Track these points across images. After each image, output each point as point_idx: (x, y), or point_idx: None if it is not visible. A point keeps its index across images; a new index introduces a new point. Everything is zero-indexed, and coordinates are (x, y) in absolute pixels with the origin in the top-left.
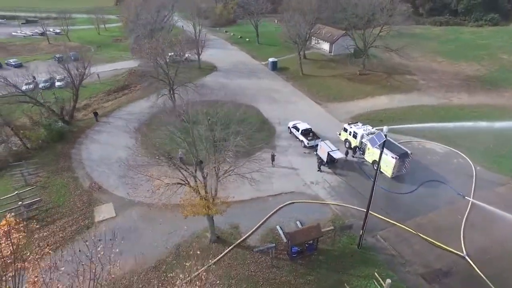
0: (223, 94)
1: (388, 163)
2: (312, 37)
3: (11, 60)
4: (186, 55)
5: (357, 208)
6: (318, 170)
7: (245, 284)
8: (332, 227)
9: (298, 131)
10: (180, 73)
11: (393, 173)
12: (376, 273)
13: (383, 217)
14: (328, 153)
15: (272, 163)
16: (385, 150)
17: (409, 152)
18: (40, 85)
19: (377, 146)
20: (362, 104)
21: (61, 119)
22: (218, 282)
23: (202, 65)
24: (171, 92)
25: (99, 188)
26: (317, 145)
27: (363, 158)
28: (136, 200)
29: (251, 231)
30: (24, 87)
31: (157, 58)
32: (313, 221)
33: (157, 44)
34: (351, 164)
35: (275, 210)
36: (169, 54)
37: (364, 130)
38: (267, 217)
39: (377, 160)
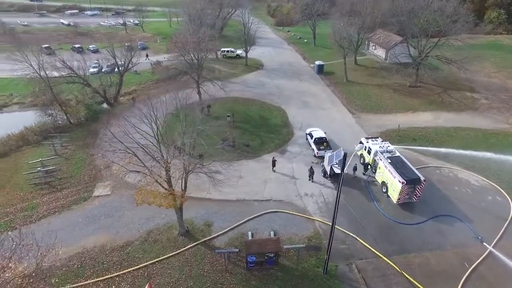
0: (257, 92)
1: (395, 187)
2: (370, 42)
3: (90, 46)
4: (238, 51)
5: (343, 230)
6: (309, 180)
7: (192, 282)
8: (303, 245)
9: (311, 138)
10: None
11: (399, 199)
12: None
13: (367, 245)
14: (331, 166)
15: (273, 168)
16: (393, 172)
17: (422, 178)
18: (90, 70)
19: (334, 164)
20: (400, 119)
21: (106, 101)
22: (169, 271)
23: (251, 62)
24: (198, 87)
25: (107, 167)
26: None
27: (374, 177)
28: (132, 182)
29: (220, 232)
30: (91, 70)
31: (190, 52)
32: (291, 234)
33: (194, 39)
34: (359, 182)
35: (254, 215)
36: (222, 49)
37: (380, 146)
38: (242, 221)
39: (386, 181)
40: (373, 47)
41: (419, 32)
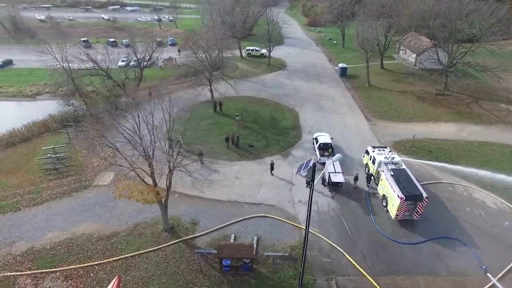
0: (273, 93)
1: (394, 202)
2: (401, 46)
3: (124, 40)
4: (263, 51)
5: (331, 242)
6: (307, 187)
7: (165, 279)
8: (279, 254)
9: (317, 143)
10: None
11: (397, 215)
12: None
13: (353, 261)
14: (329, 174)
15: (271, 172)
16: (393, 186)
17: (424, 195)
18: (119, 63)
19: (300, 174)
20: (419, 129)
21: (124, 94)
22: (146, 266)
23: (274, 62)
24: (210, 85)
25: (114, 157)
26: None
27: (376, 189)
28: (130, 174)
29: (204, 232)
30: (120, 63)
31: (202, 51)
32: (274, 241)
33: (206, 37)
34: (359, 193)
35: (241, 218)
36: (247, 48)
37: (386, 157)
38: (228, 223)
39: (386, 195)
40: (404, 51)
41: (450, 36)
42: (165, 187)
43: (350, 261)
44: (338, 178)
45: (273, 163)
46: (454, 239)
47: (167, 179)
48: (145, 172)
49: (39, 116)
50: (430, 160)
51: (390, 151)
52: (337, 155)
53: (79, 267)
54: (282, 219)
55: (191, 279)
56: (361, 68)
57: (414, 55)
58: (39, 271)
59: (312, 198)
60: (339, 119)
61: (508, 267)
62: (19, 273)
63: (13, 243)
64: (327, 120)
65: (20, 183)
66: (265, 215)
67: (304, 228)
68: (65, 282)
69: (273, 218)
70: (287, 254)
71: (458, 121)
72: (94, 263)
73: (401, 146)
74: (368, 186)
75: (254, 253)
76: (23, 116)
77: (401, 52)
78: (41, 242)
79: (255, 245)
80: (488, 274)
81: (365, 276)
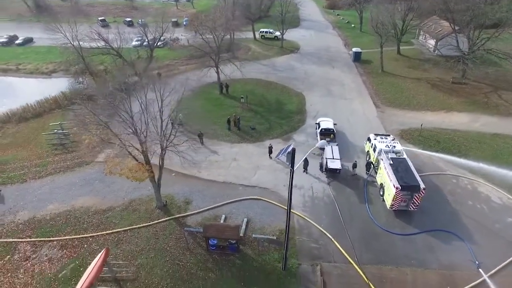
0: (282, 76)
1: (390, 191)
2: (421, 31)
3: (139, 20)
4: (277, 33)
5: (320, 228)
6: (303, 172)
7: (153, 254)
8: (274, 237)
9: (318, 128)
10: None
11: (392, 205)
12: None
13: (341, 248)
14: (327, 160)
15: (270, 155)
16: (391, 175)
17: (422, 186)
18: (133, 43)
19: (278, 159)
20: (429, 118)
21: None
22: (136, 240)
23: (288, 45)
24: (216, 67)
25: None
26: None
27: (375, 178)
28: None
29: (195, 211)
30: (134, 43)
31: (212, 31)
32: (264, 224)
33: (217, 17)
34: (357, 180)
35: (233, 200)
36: (261, 30)
37: (387, 145)
38: (220, 204)
39: (384, 183)
40: (423, 36)
41: (472, 21)
42: (163, 166)
43: (338, 248)
44: (335, 164)
45: (271, 146)
46: (450, 233)
47: (160, 158)
48: (137, 150)
49: (51, 93)
50: (437, 151)
51: (393, 140)
52: (321, 142)
53: (75, 238)
54: (275, 203)
55: (178, 255)
56: (376, 53)
57: (433, 41)
58: (38, 239)
59: (293, 183)
60: (347, 105)
61: (503, 264)
62: (20, 240)
63: (17, 212)
64: (335, 105)
65: (29, 156)
66: (257, 198)
67: (295, 212)
68: (60, 251)
69: (265, 201)
70: (274, 238)
71: (473, 111)
72: (89, 235)
73: (408, 135)
74: (367, 174)
75: (239, 235)
76: (37, 92)
77: (420, 37)
78: (42, 213)
79: (244, 227)
80: (480, 269)
81: (351, 264)
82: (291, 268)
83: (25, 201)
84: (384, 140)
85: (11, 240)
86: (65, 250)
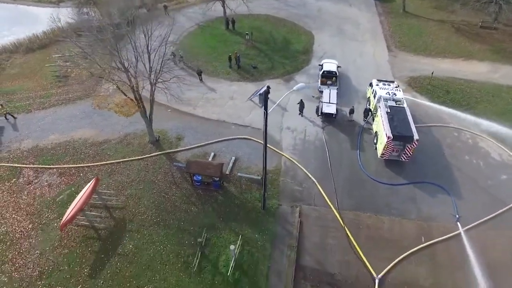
0: (293, 13)
1: (382, 140)
2: None
3: None
4: None
5: (306, 171)
6: (299, 114)
7: (142, 186)
8: (259, 177)
9: (320, 71)
10: None
11: (383, 154)
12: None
13: (323, 192)
14: (322, 104)
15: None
16: (385, 124)
17: (415, 137)
18: None
19: (251, 99)
20: (444, 65)
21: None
22: (128, 172)
23: None
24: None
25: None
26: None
27: (372, 126)
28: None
29: (186, 147)
30: None
31: None
32: (251, 164)
33: None
34: (353, 127)
35: (224, 138)
36: None
37: (387, 93)
38: (210, 142)
39: (379, 132)
40: None
41: None
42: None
43: (320, 192)
44: (330, 109)
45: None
46: (438, 186)
47: (150, 93)
48: (128, 85)
49: (58, 23)
50: (442, 103)
51: (396, 87)
52: (299, 84)
53: (72, 167)
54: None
55: (164, 188)
56: None
57: None
58: (40, 166)
59: (267, 124)
60: (358, 46)
61: (481, 220)
62: (24, 165)
63: (22, 140)
64: (344, 46)
65: (34, 87)
66: (248, 138)
67: (283, 154)
68: (59, 178)
69: (255, 141)
70: (258, 178)
71: (495, 61)
72: (85, 165)
73: (416, 83)
74: (364, 121)
75: (220, 173)
76: (45, 22)
77: None
78: (44, 142)
79: (230, 165)
80: (458, 223)
81: (331, 208)
82: (270, 208)
83: (30, 131)
84: (386, 86)
85: (16, 165)
86: (63, 177)
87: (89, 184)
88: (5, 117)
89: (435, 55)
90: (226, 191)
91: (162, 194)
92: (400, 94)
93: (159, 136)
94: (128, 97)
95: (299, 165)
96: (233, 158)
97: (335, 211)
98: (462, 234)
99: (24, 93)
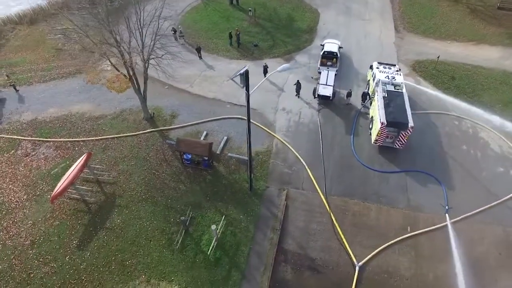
0: None
1: (376, 126)
2: None
3: None
4: None
5: (297, 154)
6: (296, 95)
7: (134, 162)
8: (236, 155)
9: (321, 51)
10: None
11: (376, 140)
12: (224, 220)
13: (312, 176)
14: (319, 86)
15: (265, 75)
16: (380, 109)
17: (410, 124)
18: None
19: (232, 79)
20: (453, 49)
21: None
22: (121, 148)
23: None
24: None
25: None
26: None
27: (369, 110)
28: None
29: (180, 125)
30: None
31: None
32: (242, 144)
33: None
34: (350, 110)
35: (218, 118)
36: None
37: (387, 77)
38: (204, 120)
39: (374, 116)
40: None
41: None
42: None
43: (310, 176)
44: (327, 91)
45: (266, 65)
46: (430, 175)
47: (144, 69)
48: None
49: None
50: (443, 89)
51: (397, 70)
52: (283, 65)
53: (68, 141)
54: (258, 124)
55: (155, 165)
56: None
57: None
58: (38, 139)
59: (250, 105)
60: (363, 26)
61: (470, 213)
62: (23, 138)
63: (22, 113)
64: (349, 26)
65: (36, 60)
66: (241, 117)
67: (275, 136)
68: (55, 151)
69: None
70: (246, 158)
71: (508, 46)
72: (80, 139)
73: (421, 67)
74: (362, 105)
75: (208, 152)
76: None
77: None
78: (43, 115)
79: (222, 145)
80: (447, 215)
81: (318, 193)
82: (258, 189)
83: (30, 103)
84: (386, 70)
85: (15, 137)
86: (59, 151)
87: (80, 158)
88: (14, 87)
89: (445, 38)
90: (215, 171)
91: (152, 171)
92: (400, 78)
93: (153, 113)
94: (121, 72)
95: (290, 147)
96: (225, 137)
97: (322, 196)
98: (449, 226)
99: (26, 65)
